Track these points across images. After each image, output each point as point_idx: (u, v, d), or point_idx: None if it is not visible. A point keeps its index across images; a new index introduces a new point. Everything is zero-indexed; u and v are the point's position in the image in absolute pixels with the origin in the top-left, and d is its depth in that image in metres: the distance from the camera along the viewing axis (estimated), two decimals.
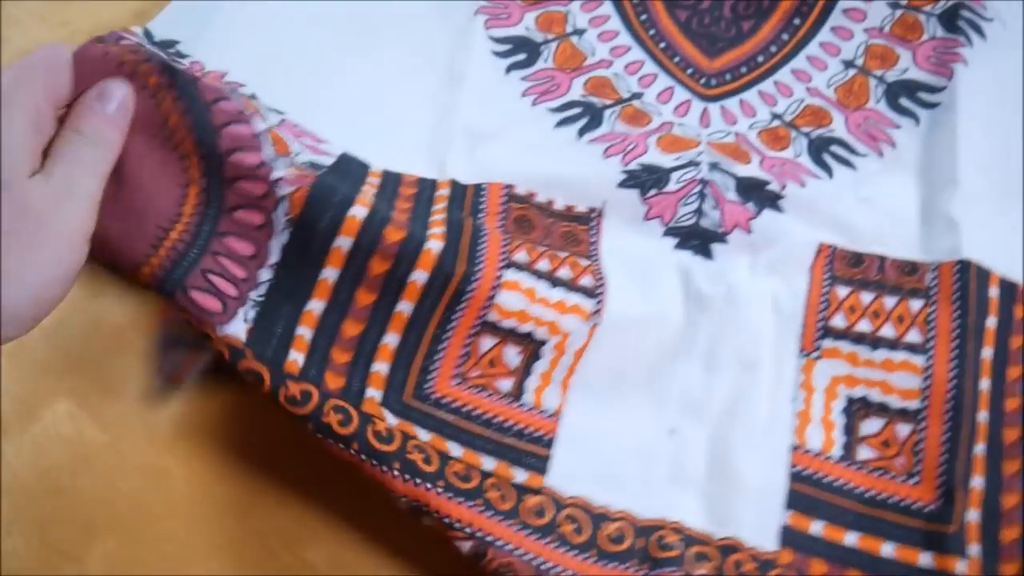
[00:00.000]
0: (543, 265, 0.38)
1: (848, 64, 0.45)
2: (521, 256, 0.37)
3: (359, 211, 0.33)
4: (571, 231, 0.40)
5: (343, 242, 0.33)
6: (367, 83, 0.43)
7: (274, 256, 0.34)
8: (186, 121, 0.32)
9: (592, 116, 0.44)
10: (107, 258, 0.32)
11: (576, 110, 0.44)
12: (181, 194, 0.33)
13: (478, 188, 0.41)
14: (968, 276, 0.38)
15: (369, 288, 0.35)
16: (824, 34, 0.46)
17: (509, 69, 0.45)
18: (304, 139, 0.37)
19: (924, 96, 0.43)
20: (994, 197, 0.40)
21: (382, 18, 0.45)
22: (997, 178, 0.41)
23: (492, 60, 0.45)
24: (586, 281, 0.38)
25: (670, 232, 0.41)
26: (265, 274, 0.34)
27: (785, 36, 0.46)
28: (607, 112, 0.44)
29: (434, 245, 0.34)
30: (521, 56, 0.45)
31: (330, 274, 0.34)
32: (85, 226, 0.30)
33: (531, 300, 0.36)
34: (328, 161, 0.36)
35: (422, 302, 0.35)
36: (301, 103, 0.38)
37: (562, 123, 0.43)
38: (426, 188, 0.40)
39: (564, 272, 0.38)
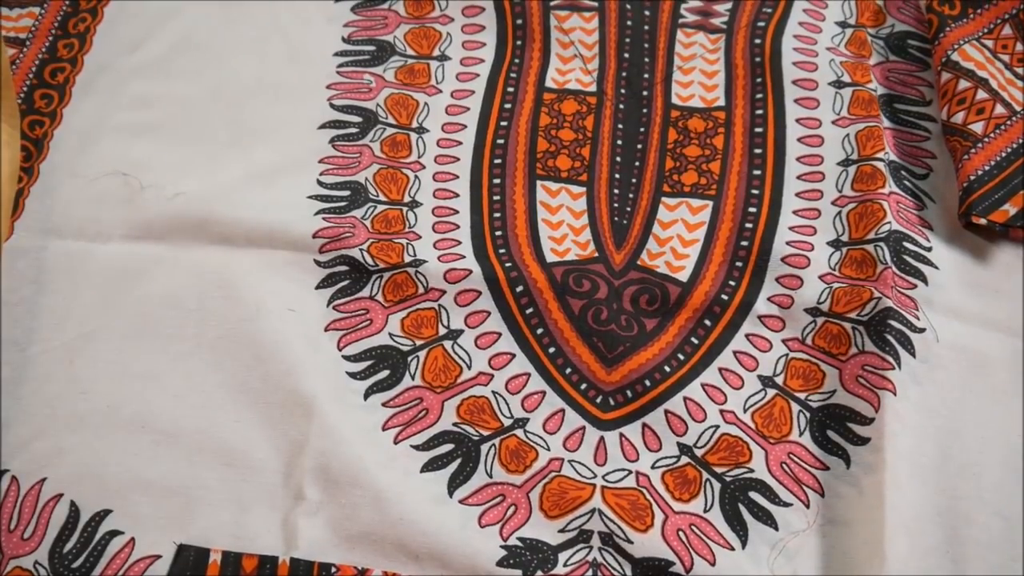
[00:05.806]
0: None
1: (767, 382, 0.38)
2: None
3: None
4: None
5: None
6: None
7: None
8: None
9: (465, 457, 0.36)
10: None
11: (446, 447, 0.36)
12: None
13: (327, 569, 0.33)
14: None
15: None
16: (738, 341, 0.39)
17: (368, 393, 0.37)
18: None
19: (854, 428, 0.37)
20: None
21: None
22: (927, 544, 0.35)
23: (347, 383, 0.37)
24: None
25: None
26: None
27: (695, 340, 0.39)
28: (484, 448, 0.36)
29: None
30: (383, 374, 0.38)
31: None
32: None
33: None
34: None
35: None
36: None
37: (429, 467, 0.36)
38: (266, 570, 0.34)
39: None
